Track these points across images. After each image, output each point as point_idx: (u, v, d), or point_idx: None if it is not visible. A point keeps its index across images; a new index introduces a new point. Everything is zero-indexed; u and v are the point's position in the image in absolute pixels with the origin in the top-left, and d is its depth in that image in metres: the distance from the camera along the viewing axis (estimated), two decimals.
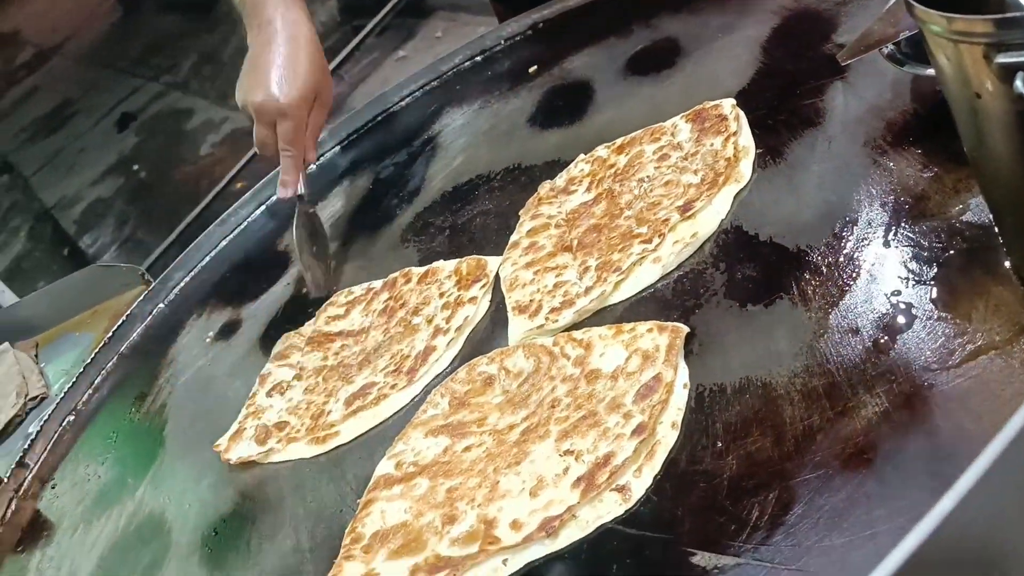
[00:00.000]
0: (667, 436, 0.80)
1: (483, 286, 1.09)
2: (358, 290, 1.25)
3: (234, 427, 1.16)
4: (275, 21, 1.33)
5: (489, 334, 1.06)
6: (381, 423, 1.04)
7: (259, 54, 1.33)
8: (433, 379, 1.04)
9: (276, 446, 1.09)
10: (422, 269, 1.19)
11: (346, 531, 0.91)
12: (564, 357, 0.92)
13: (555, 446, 0.84)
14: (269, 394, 1.17)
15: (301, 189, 1.38)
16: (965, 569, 0.47)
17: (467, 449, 0.90)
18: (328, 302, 1.26)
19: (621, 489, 0.78)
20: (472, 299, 1.09)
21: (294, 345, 1.22)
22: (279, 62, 1.32)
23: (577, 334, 0.93)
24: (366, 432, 1.05)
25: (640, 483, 0.78)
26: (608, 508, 0.78)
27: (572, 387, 0.89)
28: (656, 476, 0.79)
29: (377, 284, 1.23)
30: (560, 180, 1.16)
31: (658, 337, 0.87)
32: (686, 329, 0.87)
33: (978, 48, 0.58)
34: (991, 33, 0.56)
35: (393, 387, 1.05)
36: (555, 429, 0.85)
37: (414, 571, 0.82)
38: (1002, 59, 0.56)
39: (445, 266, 1.17)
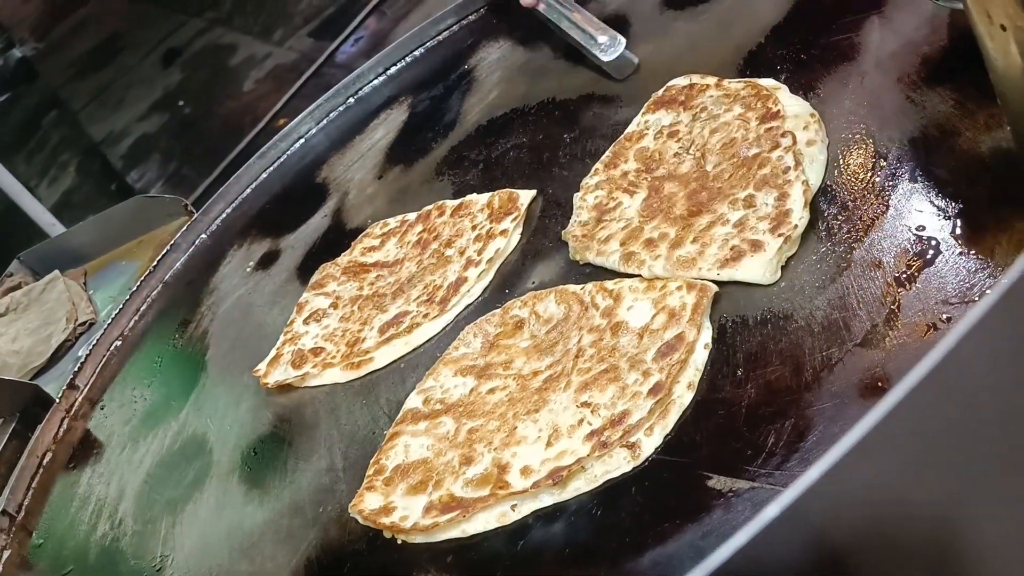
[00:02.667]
0: (683, 396, 0.81)
1: (514, 219, 1.11)
2: (392, 222, 1.27)
3: (272, 352, 1.20)
4: None
5: (520, 266, 1.08)
6: (413, 350, 1.07)
7: None
8: (464, 309, 1.07)
9: (312, 371, 1.12)
10: (455, 202, 1.21)
11: (371, 462, 0.94)
12: (594, 307, 0.93)
13: (574, 397, 0.85)
14: (306, 322, 1.20)
15: None
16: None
17: (491, 391, 0.93)
18: (364, 233, 1.29)
19: (631, 446, 0.79)
20: (503, 232, 1.10)
21: (330, 275, 1.25)
22: None
23: (609, 284, 0.94)
24: (399, 359, 1.08)
25: (650, 442, 0.79)
26: (617, 464, 0.79)
27: (597, 338, 0.90)
28: (667, 436, 0.80)
29: (411, 216, 1.25)
30: None
31: (686, 295, 0.86)
32: (714, 288, 0.86)
33: None
34: None
35: (425, 316, 1.08)
36: (576, 380, 0.87)
37: (428, 508, 0.85)
38: None
39: (478, 199, 1.18)
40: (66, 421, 1.36)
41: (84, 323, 1.59)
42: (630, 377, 0.83)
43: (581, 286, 0.97)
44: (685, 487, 0.76)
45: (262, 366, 1.19)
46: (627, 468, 0.79)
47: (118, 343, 1.46)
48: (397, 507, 0.87)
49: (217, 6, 5.25)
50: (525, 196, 1.13)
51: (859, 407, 0.72)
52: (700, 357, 0.83)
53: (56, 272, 1.72)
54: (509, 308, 1.01)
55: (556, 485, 0.80)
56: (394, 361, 1.08)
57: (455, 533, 0.83)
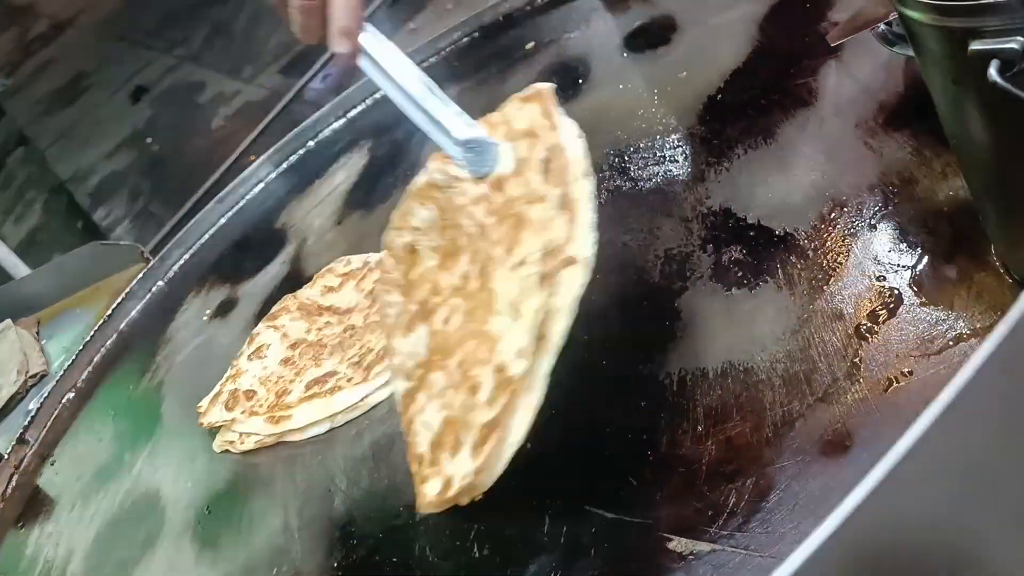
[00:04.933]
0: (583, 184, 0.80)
1: None
2: (356, 261, 1.24)
3: (216, 388, 1.17)
4: None
5: None
6: (330, 416, 1.04)
7: None
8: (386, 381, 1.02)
9: (240, 416, 1.10)
10: None
11: (409, 459, 0.87)
12: (460, 182, 0.89)
13: (509, 268, 0.82)
14: (251, 357, 1.18)
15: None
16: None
17: (446, 321, 0.88)
18: (328, 268, 1.26)
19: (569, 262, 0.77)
20: None
21: (287, 308, 1.22)
22: None
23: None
24: (317, 422, 1.05)
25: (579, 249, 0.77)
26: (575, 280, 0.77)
27: (487, 204, 0.86)
28: (625, 497, 0.77)
29: (373, 259, 1.23)
30: None
31: (529, 108, 0.84)
32: (550, 87, 0.85)
33: (954, 34, 0.56)
34: (966, 19, 0.55)
35: (349, 380, 1.05)
36: (499, 251, 0.83)
37: (476, 453, 0.79)
38: (977, 46, 0.55)
39: None
40: (15, 478, 1.32)
41: (35, 375, 1.54)
42: (534, 212, 0.81)
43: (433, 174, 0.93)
44: (645, 550, 0.73)
45: (204, 402, 1.16)
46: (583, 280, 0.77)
47: (71, 395, 1.42)
48: (453, 475, 0.81)
49: (186, 43, 5.24)
50: None
51: (820, 465, 0.71)
52: (577, 148, 0.81)
53: (8, 321, 1.68)
54: (390, 243, 0.96)
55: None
56: (312, 423, 1.05)
57: (508, 454, 0.77)
